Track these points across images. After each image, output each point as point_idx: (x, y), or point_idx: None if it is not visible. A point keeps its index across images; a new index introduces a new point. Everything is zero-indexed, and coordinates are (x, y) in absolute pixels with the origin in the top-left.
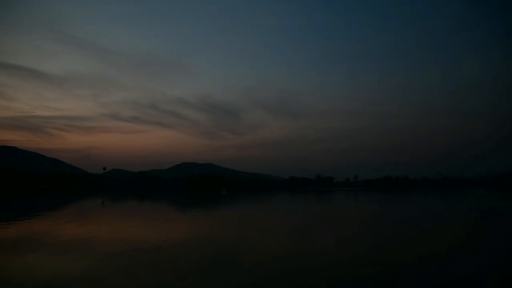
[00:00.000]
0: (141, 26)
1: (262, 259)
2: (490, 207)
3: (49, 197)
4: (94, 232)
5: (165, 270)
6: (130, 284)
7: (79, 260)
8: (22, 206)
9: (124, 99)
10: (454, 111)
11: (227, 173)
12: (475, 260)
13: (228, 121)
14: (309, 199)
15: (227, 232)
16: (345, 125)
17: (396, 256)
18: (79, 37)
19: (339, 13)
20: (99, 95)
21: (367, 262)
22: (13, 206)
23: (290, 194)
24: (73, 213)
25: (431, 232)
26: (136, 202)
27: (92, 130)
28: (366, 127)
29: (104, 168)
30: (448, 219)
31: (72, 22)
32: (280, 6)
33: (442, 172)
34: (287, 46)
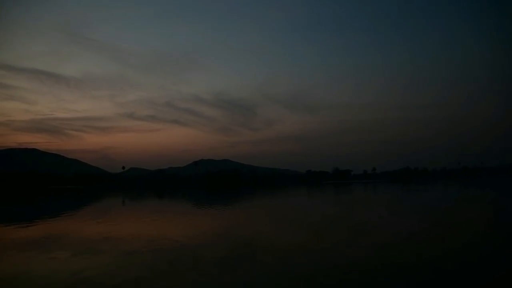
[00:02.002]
0: (154, 26)
1: (282, 254)
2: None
3: (71, 197)
4: (117, 231)
5: (189, 267)
6: (155, 282)
7: (104, 258)
8: (45, 207)
9: (140, 98)
10: (470, 99)
11: (244, 168)
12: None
13: (243, 117)
14: (325, 193)
15: (248, 227)
16: (361, 117)
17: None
18: (94, 39)
19: (347, 7)
20: (116, 96)
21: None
22: (37, 207)
23: (308, 188)
24: (95, 212)
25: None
26: (155, 200)
27: (109, 130)
28: (382, 119)
29: (123, 167)
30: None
31: (87, 25)
32: (290, 2)
33: (461, 162)
34: (298, 41)
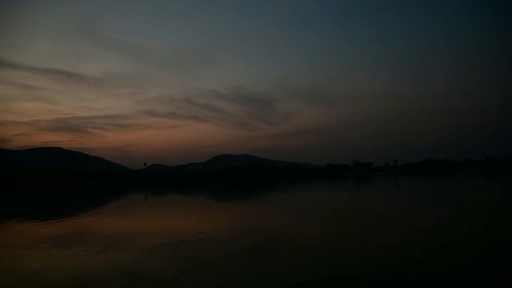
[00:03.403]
0: (171, 23)
1: (300, 246)
2: None
3: (95, 193)
4: (140, 225)
5: (212, 262)
6: (177, 276)
7: (129, 253)
8: (72, 203)
9: (159, 95)
10: (489, 88)
11: (264, 163)
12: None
13: (262, 111)
14: (348, 186)
15: (271, 220)
16: (380, 109)
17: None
18: (113, 38)
19: (357, 1)
20: (135, 93)
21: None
22: (63, 203)
23: (329, 182)
24: (119, 208)
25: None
26: (177, 196)
27: (130, 127)
28: (403, 111)
29: (145, 164)
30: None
31: (105, 23)
32: None
33: (486, 153)
34: (314, 34)
